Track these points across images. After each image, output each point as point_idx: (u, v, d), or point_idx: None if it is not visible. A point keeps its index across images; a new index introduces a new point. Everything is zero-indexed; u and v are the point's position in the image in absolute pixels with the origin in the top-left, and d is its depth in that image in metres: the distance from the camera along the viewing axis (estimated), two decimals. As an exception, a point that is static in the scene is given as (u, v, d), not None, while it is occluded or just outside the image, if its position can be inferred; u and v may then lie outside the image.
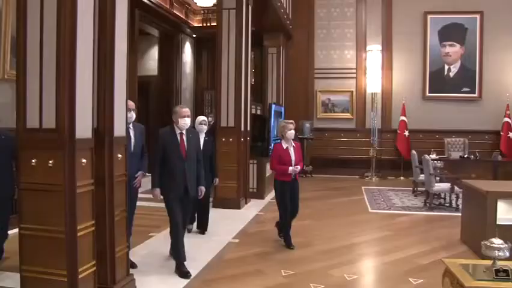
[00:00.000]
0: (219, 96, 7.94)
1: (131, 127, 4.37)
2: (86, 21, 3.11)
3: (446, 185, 7.87)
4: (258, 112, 10.55)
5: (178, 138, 4.49)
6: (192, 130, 4.71)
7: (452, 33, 11.66)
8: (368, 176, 11.48)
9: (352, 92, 11.94)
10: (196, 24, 12.27)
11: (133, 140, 4.38)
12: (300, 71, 12.04)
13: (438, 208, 7.90)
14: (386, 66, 11.73)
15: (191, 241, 5.29)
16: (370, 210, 7.81)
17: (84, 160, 3.08)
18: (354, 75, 11.96)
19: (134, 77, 9.49)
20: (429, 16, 11.70)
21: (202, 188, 4.76)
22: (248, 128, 8.24)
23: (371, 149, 11.44)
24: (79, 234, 3.04)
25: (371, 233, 6.25)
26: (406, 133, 11.39)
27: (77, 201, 3.01)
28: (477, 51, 11.55)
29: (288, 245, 5.44)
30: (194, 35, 12.55)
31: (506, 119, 11.05)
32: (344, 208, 7.98)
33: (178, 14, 11.22)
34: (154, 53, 12.17)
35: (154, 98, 11.79)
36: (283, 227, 5.55)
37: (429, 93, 11.66)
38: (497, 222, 5.08)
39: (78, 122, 3.01)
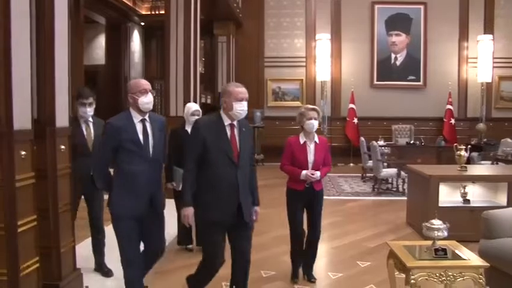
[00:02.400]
0: (167, 85, 7.83)
1: (148, 119, 3.18)
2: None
3: (393, 171, 8.12)
4: (209, 101, 10.48)
5: (228, 132, 3.11)
6: (244, 122, 3.27)
7: (398, 23, 11.97)
8: (318, 164, 11.59)
9: (302, 80, 12.06)
10: (144, 12, 12.00)
11: (151, 140, 3.15)
12: (250, 59, 12.03)
13: (386, 193, 8.15)
14: (335, 54, 11.91)
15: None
16: (321, 196, 7.94)
17: (23, 152, 2.94)
18: (304, 63, 12.08)
19: (80, 66, 9.17)
20: (376, 6, 11.95)
21: (257, 210, 3.29)
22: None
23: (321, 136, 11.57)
24: (19, 230, 2.90)
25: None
26: (355, 120, 11.63)
27: (17, 195, 2.88)
28: (421, 40, 11.93)
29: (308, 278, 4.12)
30: (142, 23, 12.29)
31: (449, 106, 11.49)
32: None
33: (125, 1, 10.92)
34: (101, 41, 11.84)
35: (102, 88, 11.46)
36: (293, 257, 4.14)
37: (377, 81, 11.95)
38: (439, 205, 5.30)
39: (16, 112, 2.86)
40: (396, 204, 7.06)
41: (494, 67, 11.55)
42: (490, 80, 11.57)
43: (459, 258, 3.11)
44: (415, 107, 11.73)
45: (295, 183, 3.96)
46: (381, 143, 9.34)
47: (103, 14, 10.78)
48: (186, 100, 7.72)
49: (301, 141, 4.04)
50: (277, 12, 12.18)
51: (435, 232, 3.11)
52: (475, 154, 9.43)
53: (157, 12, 11.81)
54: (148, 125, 3.18)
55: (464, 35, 11.94)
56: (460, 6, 11.90)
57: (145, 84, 3.18)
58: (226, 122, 3.11)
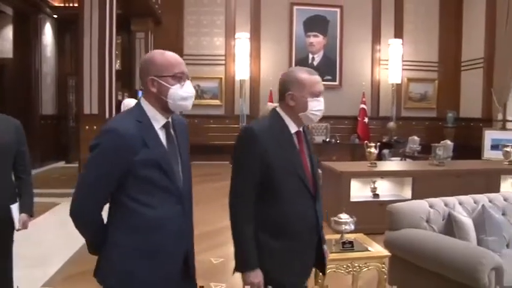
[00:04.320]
0: (81, 82, 7.53)
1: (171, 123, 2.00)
2: None
3: (309, 168, 8.33)
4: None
5: (297, 144, 2.15)
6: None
7: (315, 24, 12.31)
8: (239, 162, 11.66)
9: (221, 78, 12.04)
10: (57, 4, 11.40)
11: (179, 159, 2.00)
12: (169, 57, 11.81)
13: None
14: (254, 54, 12.02)
15: (54, 234, 4.96)
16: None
17: None
18: (224, 62, 12.08)
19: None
20: (295, 7, 12.20)
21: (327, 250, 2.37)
22: (114, 115, 7.93)
23: (241, 135, 11.64)
24: None
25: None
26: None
27: None
28: (338, 42, 12.35)
29: None
30: (55, 16, 11.67)
31: (363, 106, 11.98)
32: (216, 193, 8.06)
33: (35, -9, 10.33)
34: (7, 33, 11.08)
35: (9, 83, 10.75)
36: None
37: (295, 81, 12.20)
38: (351, 200, 5.54)
39: None
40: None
41: (403, 69, 12.20)
42: (399, 82, 12.22)
43: (364, 249, 3.26)
44: (331, 106, 12.01)
45: None
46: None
47: (9, 3, 10.11)
48: (101, 98, 7.47)
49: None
50: (197, 9, 12.08)
51: (343, 226, 3.24)
52: (386, 151, 9.93)
53: (70, 5, 11.26)
54: (173, 133, 1.99)
55: (376, 38, 12.52)
56: (373, 10, 12.47)
57: (181, 63, 1.93)
58: (293, 128, 2.14)
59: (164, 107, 1.91)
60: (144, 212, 1.83)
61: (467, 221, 3.61)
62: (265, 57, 12.14)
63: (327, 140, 10.89)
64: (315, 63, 12.28)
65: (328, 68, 12.25)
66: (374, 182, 5.80)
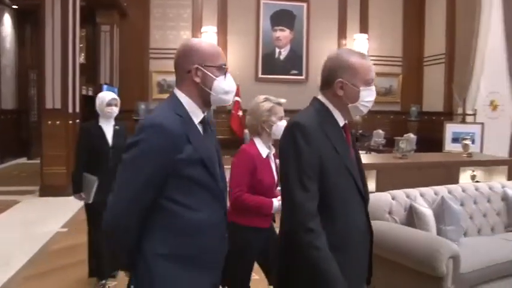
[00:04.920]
0: (42, 76, 7.35)
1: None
2: None
3: (275, 162, 8.38)
4: (90, 93, 10.01)
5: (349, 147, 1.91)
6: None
7: (282, 19, 12.33)
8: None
9: (188, 72, 11.90)
10: (16, -6, 11.09)
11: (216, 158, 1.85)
12: (135, 50, 11.61)
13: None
14: (221, 47, 11.72)
15: (15, 233, 4.84)
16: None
17: None
18: (191, 56, 11.95)
19: None
20: (262, 1, 12.17)
21: None
22: (77, 110, 7.76)
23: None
24: None
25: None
26: (240, 113, 11.79)
27: None
28: (304, 37, 12.42)
29: None
30: (14, 6, 11.32)
31: (330, 100, 12.13)
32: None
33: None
34: (-37, 24, 10.73)
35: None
36: None
37: (261, 74, 12.22)
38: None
39: None
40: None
41: (369, 64, 12.39)
42: (364, 76, 12.39)
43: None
44: (298, 100, 11.90)
45: (260, 219, 2.77)
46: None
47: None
48: (64, 92, 7.31)
49: (264, 154, 2.83)
50: (164, 2, 11.91)
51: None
52: (351, 145, 10.05)
53: (31, -5, 10.97)
54: (208, 129, 1.84)
55: (342, 33, 12.65)
56: (339, 5, 12.58)
57: (223, 54, 1.89)
58: (341, 121, 1.88)
59: (205, 100, 1.77)
60: (187, 214, 1.65)
61: (428, 212, 3.71)
62: (231, 51, 12.08)
63: (294, 134, 10.96)
64: (281, 57, 12.33)
65: (294, 62, 12.32)
66: (339, 175, 5.87)
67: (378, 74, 11.87)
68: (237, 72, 11.72)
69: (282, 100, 3.11)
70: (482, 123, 9.35)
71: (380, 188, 5.40)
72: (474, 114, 10.24)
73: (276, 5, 12.29)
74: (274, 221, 2.85)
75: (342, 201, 1.77)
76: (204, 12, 12.00)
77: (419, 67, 12.79)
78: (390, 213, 3.76)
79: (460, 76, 10.47)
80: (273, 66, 12.28)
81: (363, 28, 12.62)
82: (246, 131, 9.48)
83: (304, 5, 12.38)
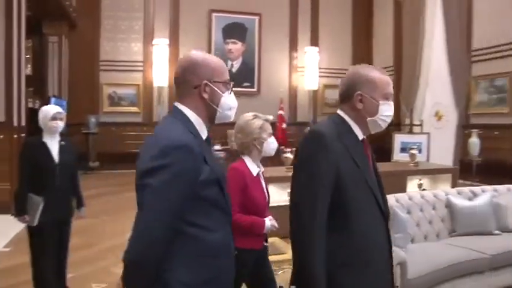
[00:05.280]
0: (-15, 88, 7.06)
1: None
2: None
3: (229, 174, 8.38)
4: (37, 106, 9.69)
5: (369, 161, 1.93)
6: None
7: (234, 31, 12.45)
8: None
9: (139, 85, 11.79)
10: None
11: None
12: (84, 62, 11.37)
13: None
14: (173, 60, 11.85)
15: None
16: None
17: None
18: (142, 68, 11.83)
19: None
20: (214, 14, 12.25)
21: None
22: (23, 123, 7.49)
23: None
24: None
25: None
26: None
27: None
28: (256, 49, 12.56)
29: None
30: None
31: (281, 112, 12.25)
32: (133, 203, 7.87)
33: None
34: None
35: None
36: None
37: (215, 87, 12.22)
38: (270, 205, 5.61)
39: None
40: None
41: (320, 76, 12.64)
42: (316, 88, 12.65)
43: (280, 253, 3.32)
44: (250, 112, 12.25)
45: (253, 239, 2.69)
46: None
47: None
48: (8, 104, 7.04)
49: (254, 172, 2.79)
50: (114, 14, 11.75)
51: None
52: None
53: (-27, 5, 10.54)
54: (211, 146, 1.83)
55: (294, 45, 12.90)
56: (290, 19, 12.85)
57: (227, 70, 1.81)
58: (360, 135, 1.88)
59: (211, 117, 1.70)
60: (207, 237, 1.59)
61: (376, 221, 3.80)
62: (184, 63, 12.03)
63: (247, 145, 10.99)
64: (233, 69, 12.39)
65: (246, 74, 12.43)
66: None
67: (328, 86, 12.23)
68: (189, 85, 11.70)
69: (270, 117, 3.01)
70: (428, 133, 9.71)
71: (331, 198, 5.48)
72: (420, 125, 10.63)
73: (228, 18, 12.39)
74: (267, 241, 2.86)
75: (360, 215, 1.73)
76: (156, 24, 11.93)
77: (368, 79, 13.16)
78: (340, 222, 3.82)
79: (407, 88, 10.85)
80: (226, 78, 12.29)
81: (314, 41, 12.91)
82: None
83: (256, 18, 12.54)
